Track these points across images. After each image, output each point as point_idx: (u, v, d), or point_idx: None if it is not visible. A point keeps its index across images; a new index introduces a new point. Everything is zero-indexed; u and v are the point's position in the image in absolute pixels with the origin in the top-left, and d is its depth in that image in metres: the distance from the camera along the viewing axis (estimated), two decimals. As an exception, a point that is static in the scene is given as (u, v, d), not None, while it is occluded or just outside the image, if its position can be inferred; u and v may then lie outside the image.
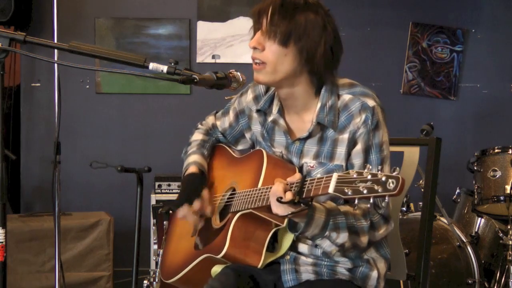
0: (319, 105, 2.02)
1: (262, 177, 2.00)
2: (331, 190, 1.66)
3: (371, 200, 1.62)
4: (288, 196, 1.76)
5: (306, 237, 1.94)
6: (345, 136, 2.00)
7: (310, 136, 2.05)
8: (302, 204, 1.75)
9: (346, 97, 2.02)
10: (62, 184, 3.84)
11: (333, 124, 2.01)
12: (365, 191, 1.61)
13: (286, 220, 1.96)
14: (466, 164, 3.96)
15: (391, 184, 1.59)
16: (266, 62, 1.98)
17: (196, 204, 2.15)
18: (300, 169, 2.06)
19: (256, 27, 2.00)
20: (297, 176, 1.81)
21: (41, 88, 4.94)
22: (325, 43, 1.96)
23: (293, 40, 1.94)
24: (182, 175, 2.28)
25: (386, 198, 1.61)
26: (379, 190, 1.60)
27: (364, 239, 1.94)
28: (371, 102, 2.00)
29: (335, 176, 1.67)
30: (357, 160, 1.99)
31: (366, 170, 1.64)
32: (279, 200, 1.77)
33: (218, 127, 2.35)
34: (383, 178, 1.60)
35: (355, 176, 1.64)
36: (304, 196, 1.76)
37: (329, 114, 2.01)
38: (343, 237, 1.90)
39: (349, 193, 1.63)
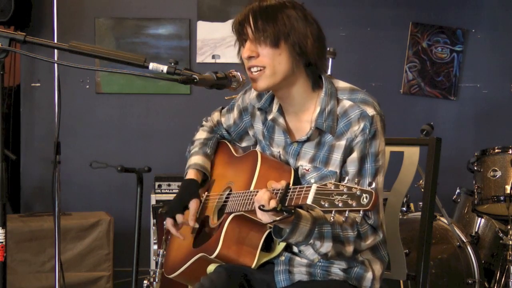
0: (318, 109, 2.01)
1: (255, 179, 2.01)
2: (309, 201, 1.67)
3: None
4: (272, 204, 1.75)
5: (290, 243, 1.94)
6: (342, 142, 2.00)
7: (308, 139, 2.05)
8: (285, 212, 1.74)
9: (346, 103, 2.02)
10: (62, 184, 3.84)
11: (331, 129, 2.01)
12: (340, 204, 1.62)
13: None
14: (466, 164, 3.95)
15: (364, 199, 1.60)
16: (264, 67, 1.98)
17: (179, 218, 2.18)
18: (296, 171, 2.06)
19: (243, 38, 2.01)
20: (283, 183, 1.80)
21: (41, 88, 4.94)
22: (312, 33, 1.98)
23: (283, 38, 1.95)
24: (184, 176, 2.29)
25: (361, 212, 1.62)
26: (353, 205, 1.61)
27: (349, 249, 1.94)
28: (370, 111, 1.98)
29: (314, 187, 1.67)
30: (351, 168, 1.99)
31: (343, 183, 1.65)
32: (262, 208, 1.76)
33: (222, 123, 2.36)
34: (358, 192, 1.61)
35: (332, 188, 1.65)
36: (286, 204, 1.75)
37: (328, 119, 2.00)
38: (327, 247, 1.89)
39: (326, 205, 1.64)
